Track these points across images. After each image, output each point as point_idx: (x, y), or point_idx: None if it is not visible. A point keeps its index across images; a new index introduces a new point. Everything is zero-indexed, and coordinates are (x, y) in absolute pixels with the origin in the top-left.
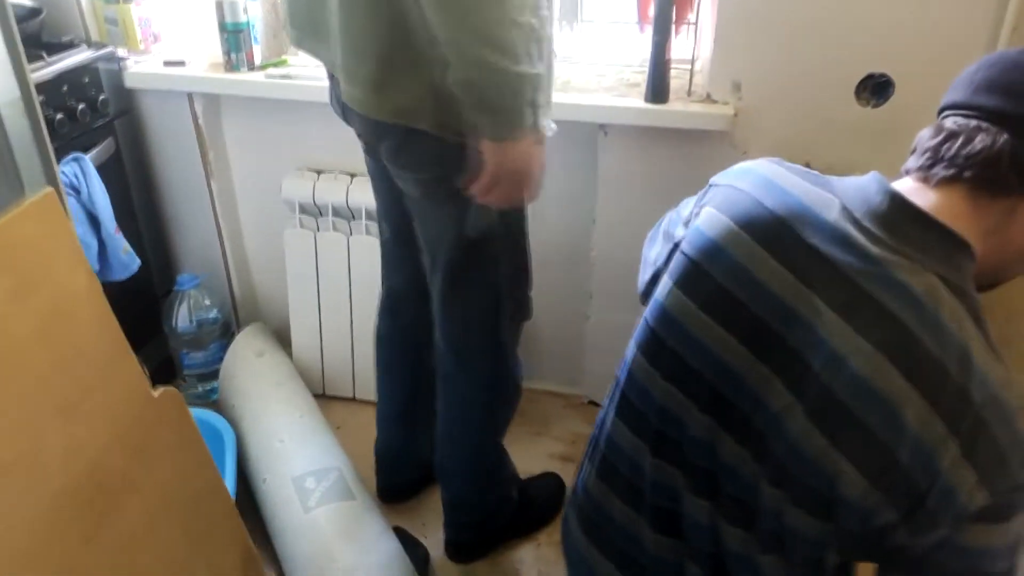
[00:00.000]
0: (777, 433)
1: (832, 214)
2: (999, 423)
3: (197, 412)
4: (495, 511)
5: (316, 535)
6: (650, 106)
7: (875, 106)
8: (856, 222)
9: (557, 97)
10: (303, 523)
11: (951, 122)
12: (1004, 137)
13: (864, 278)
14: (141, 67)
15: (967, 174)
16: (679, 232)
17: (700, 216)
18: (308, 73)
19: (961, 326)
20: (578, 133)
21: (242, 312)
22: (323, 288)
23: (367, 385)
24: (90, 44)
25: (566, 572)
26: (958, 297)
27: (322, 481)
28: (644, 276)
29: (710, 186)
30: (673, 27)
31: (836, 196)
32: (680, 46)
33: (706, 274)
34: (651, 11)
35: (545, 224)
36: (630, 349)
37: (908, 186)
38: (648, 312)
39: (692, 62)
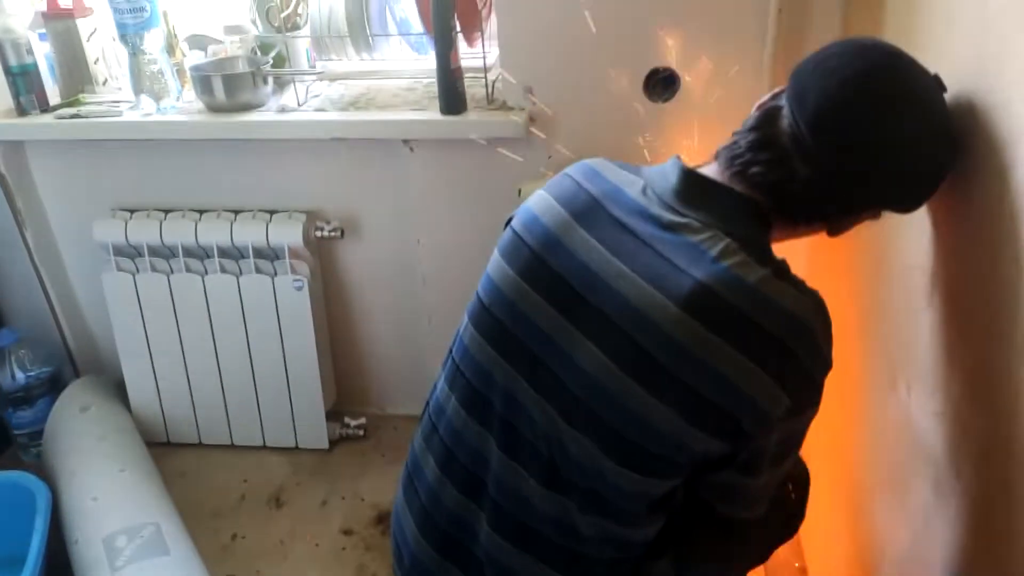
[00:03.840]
0: (593, 391)
1: (635, 192)
2: (803, 347)
3: (7, 475)
4: None
5: None
6: (446, 117)
7: (665, 100)
8: (655, 198)
9: (359, 116)
10: None
11: (765, 129)
12: (804, 174)
13: (660, 243)
14: None
15: (758, 192)
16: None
17: (531, 197)
18: (102, 111)
19: (750, 269)
20: (385, 151)
21: (81, 363)
22: (151, 331)
23: (213, 428)
24: None
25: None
26: (744, 246)
27: (134, 539)
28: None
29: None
30: (458, 35)
31: (642, 178)
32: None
33: (524, 243)
34: None
35: (372, 248)
36: (463, 322)
37: (709, 167)
38: (479, 286)
39: (485, 70)
